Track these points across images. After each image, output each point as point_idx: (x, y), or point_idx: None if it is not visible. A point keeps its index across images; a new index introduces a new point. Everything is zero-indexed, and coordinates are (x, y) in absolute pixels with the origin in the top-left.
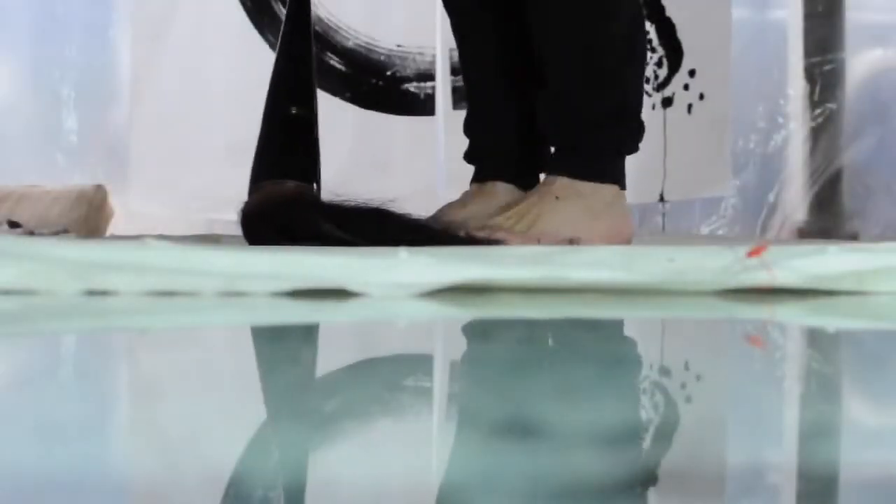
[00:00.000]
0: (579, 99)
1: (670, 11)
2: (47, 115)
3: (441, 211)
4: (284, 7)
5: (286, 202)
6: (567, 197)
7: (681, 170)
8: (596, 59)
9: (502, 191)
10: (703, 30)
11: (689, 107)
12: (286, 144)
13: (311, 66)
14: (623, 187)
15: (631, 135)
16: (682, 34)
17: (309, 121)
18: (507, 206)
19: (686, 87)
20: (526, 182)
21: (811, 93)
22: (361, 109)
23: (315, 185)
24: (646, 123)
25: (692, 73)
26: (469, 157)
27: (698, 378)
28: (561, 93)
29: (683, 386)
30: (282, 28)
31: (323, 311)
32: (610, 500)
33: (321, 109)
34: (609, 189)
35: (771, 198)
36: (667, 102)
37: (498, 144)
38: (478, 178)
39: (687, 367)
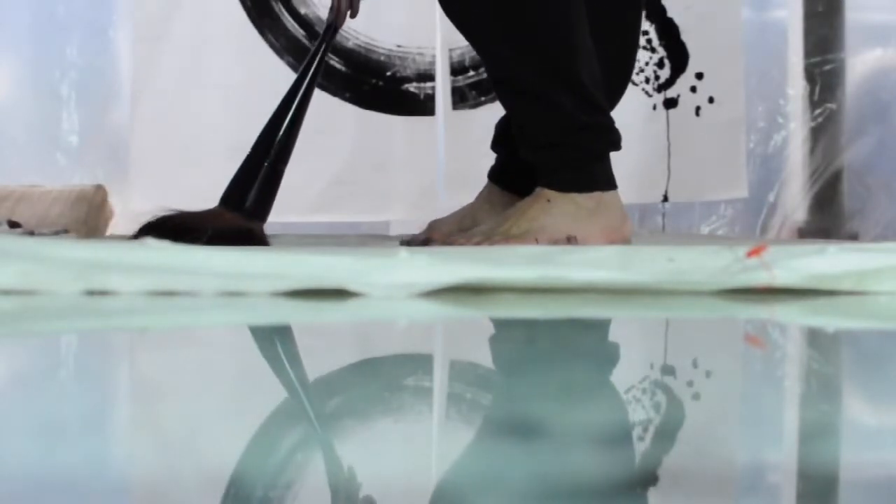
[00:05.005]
0: (524, 122)
1: (679, 17)
2: (47, 115)
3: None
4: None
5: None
6: (558, 201)
7: (689, 171)
8: (520, 82)
9: (497, 195)
10: (712, 35)
11: (698, 109)
12: (252, 186)
13: (299, 127)
14: (612, 187)
15: (596, 142)
16: (691, 38)
17: (279, 174)
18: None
19: (693, 89)
20: (525, 191)
21: (811, 93)
22: (361, 109)
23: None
24: (647, 124)
25: (699, 76)
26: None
27: (698, 378)
28: (512, 116)
29: (683, 386)
30: (300, 70)
31: (323, 311)
32: (611, 500)
33: (320, 110)
34: (594, 194)
35: (771, 198)
36: (670, 103)
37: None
38: (489, 176)
39: (686, 368)
